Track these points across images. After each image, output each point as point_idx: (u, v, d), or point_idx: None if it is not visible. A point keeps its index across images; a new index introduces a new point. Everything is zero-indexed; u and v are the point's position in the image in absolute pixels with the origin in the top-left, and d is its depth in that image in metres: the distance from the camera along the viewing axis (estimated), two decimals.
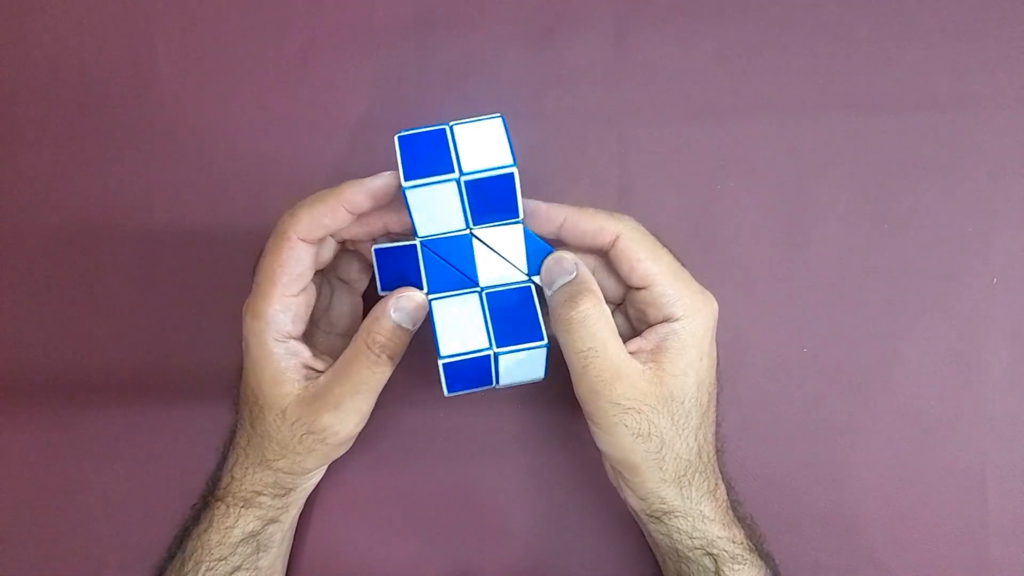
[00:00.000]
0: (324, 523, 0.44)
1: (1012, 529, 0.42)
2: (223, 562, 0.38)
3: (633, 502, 0.37)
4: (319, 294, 0.40)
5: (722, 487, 0.38)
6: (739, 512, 0.38)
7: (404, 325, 0.36)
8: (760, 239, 0.44)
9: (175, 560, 0.39)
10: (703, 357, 0.36)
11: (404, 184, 0.34)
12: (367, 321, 0.36)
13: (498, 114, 0.35)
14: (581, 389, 0.36)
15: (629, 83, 0.44)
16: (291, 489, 0.39)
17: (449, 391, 0.37)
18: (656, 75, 0.44)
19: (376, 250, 0.38)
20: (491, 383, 0.37)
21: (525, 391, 0.43)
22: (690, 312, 0.36)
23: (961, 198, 0.43)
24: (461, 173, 0.34)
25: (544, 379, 0.38)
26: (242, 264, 0.44)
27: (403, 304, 0.36)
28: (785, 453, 0.43)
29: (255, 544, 0.38)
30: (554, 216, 0.37)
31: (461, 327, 0.36)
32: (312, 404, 0.36)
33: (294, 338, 0.37)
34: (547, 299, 0.37)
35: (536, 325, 0.36)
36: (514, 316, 0.36)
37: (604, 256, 0.38)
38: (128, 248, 0.45)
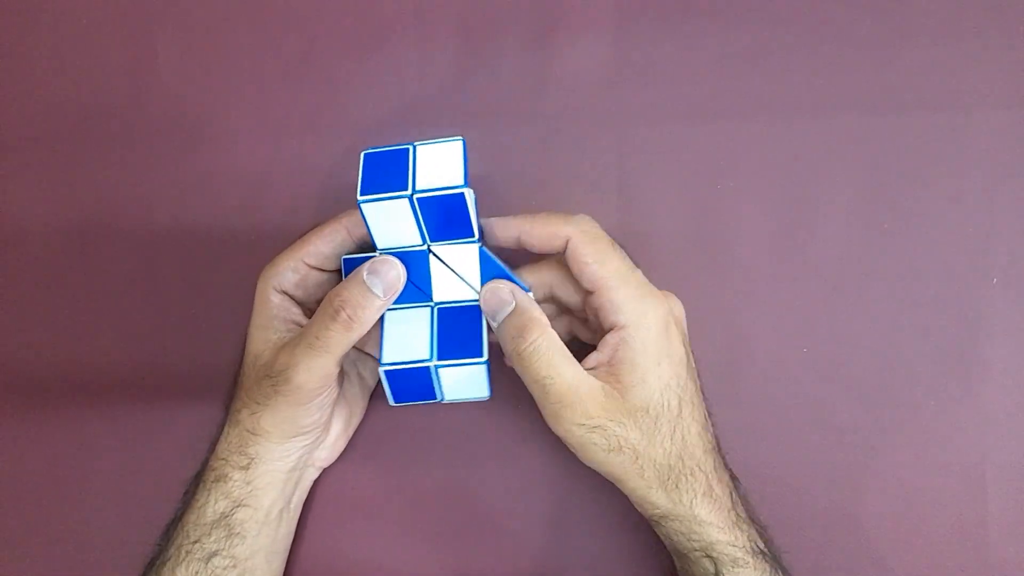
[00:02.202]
0: (324, 523, 0.44)
1: (1012, 529, 0.42)
2: (199, 544, 0.38)
3: (634, 506, 0.38)
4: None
5: (720, 488, 0.37)
6: (749, 510, 0.38)
7: (374, 289, 0.36)
8: (760, 239, 0.44)
9: (160, 547, 0.39)
10: (661, 361, 0.36)
11: (359, 199, 0.35)
12: (342, 282, 0.37)
13: (459, 137, 0.37)
14: (545, 415, 0.36)
15: (629, 83, 0.44)
16: (252, 460, 0.38)
17: (395, 400, 0.38)
18: (656, 75, 0.44)
19: (345, 259, 0.39)
20: (435, 397, 0.38)
21: (525, 391, 0.43)
22: (636, 318, 0.36)
23: (961, 198, 0.43)
24: (414, 191, 0.35)
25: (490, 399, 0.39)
26: (242, 264, 0.44)
27: (376, 267, 0.36)
28: (785, 453, 0.43)
29: (227, 528, 0.38)
30: (510, 230, 0.38)
31: (406, 338, 0.37)
32: (278, 351, 0.37)
33: (291, 297, 0.39)
34: (495, 331, 0.37)
35: (478, 343, 0.37)
36: (459, 333, 0.37)
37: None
38: (128, 248, 0.46)
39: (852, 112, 0.43)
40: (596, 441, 0.36)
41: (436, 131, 0.44)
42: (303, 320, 0.40)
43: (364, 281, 0.36)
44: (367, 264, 0.36)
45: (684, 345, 0.37)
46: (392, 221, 0.36)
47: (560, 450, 0.44)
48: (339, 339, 0.35)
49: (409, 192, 0.35)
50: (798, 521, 0.43)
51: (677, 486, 0.36)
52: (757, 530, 0.38)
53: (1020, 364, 0.42)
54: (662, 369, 0.36)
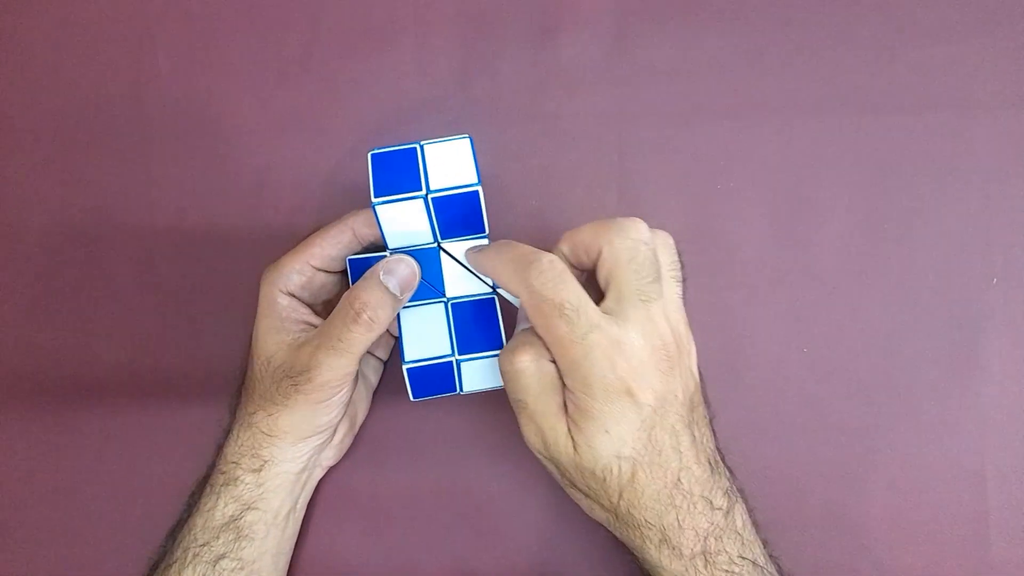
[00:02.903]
0: (324, 523, 0.44)
1: (1012, 529, 0.42)
2: (207, 547, 0.38)
3: None
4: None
5: (683, 536, 0.34)
6: (736, 546, 0.35)
7: (391, 289, 0.36)
8: (760, 239, 0.44)
9: (165, 549, 0.39)
10: (608, 429, 0.33)
11: (374, 201, 0.35)
12: (356, 282, 0.37)
13: (466, 135, 0.37)
14: (518, 422, 0.36)
15: (629, 83, 0.44)
16: (265, 462, 0.39)
17: (415, 396, 0.38)
18: (656, 75, 0.44)
19: (350, 260, 0.39)
20: (455, 389, 0.39)
21: None
22: (580, 386, 0.33)
23: (961, 198, 0.43)
24: (428, 191, 0.35)
25: None
26: (242, 264, 0.44)
27: (391, 266, 0.37)
28: (784, 453, 0.43)
29: (236, 531, 0.38)
30: (478, 266, 0.37)
31: (426, 335, 0.38)
32: (295, 351, 0.37)
33: (299, 299, 0.39)
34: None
35: (497, 334, 0.38)
36: (477, 325, 0.38)
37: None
38: (128, 248, 0.46)
39: (852, 112, 0.43)
40: (551, 470, 0.36)
41: (436, 131, 0.44)
42: (313, 319, 0.40)
43: (381, 281, 0.36)
44: (382, 264, 0.37)
45: (652, 406, 0.34)
46: (405, 221, 0.36)
47: None
48: (361, 340, 0.36)
49: (424, 192, 0.35)
50: (798, 521, 0.43)
51: (627, 530, 0.35)
52: (742, 562, 0.35)
53: (1020, 364, 0.42)
54: (611, 437, 0.33)
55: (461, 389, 0.39)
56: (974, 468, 0.42)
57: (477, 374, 0.38)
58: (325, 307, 0.41)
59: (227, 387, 0.42)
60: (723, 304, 0.43)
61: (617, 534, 0.36)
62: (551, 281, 0.33)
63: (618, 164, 0.44)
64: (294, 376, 0.37)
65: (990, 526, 0.42)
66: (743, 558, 0.35)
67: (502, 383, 0.38)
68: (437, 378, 0.38)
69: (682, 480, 0.35)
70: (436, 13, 0.45)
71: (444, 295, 0.38)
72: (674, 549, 0.35)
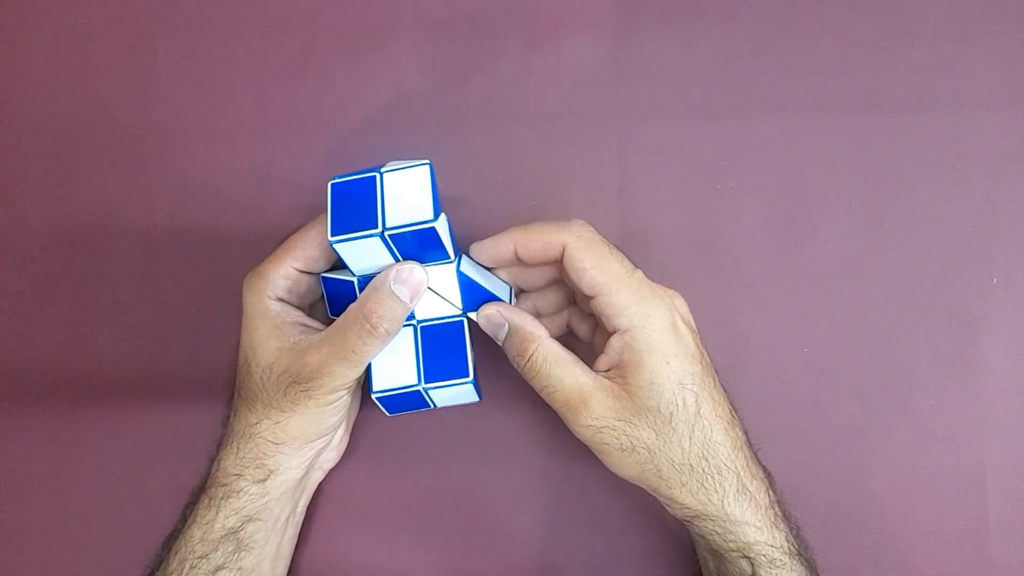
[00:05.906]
0: (324, 523, 0.44)
1: (1012, 529, 0.42)
2: (205, 559, 0.38)
3: (664, 508, 0.38)
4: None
5: (755, 485, 0.36)
6: (784, 509, 0.37)
7: (402, 298, 0.36)
8: (760, 239, 0.44)
9: (160, 559, 0.39)
10: (669, 360, 0.35)
11: (330, 239, 0.35)
12: (366, 291, 0.36)
13: (426, 161, 0.36)
14: (561, 418, 0.37)
15: (629, 83, 0.44)
16: (271, 471, 0.38)
17: (390, 413, 0.39)
18: (656, 75, 0.44)
19: (323, 278, 0.39)
20: (428, 406, 0.39)
21: (528, 391, 0.43)
22: (638, 320, 0.35)
23: (961, 198, 0.43)
24: (384, 228, 0.35)
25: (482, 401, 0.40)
26: (242, 264, 0.44)
27: (403, 277, 0.36)
28: (784, 453, 0.43)
29: (235, 542, 0.38)
30: (503, 247, 0.38)
31: (393, 363, 0.38)
32: (301, 356, 0.37)
33: (288, 303, 0.39)
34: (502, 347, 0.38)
35: (463, 362, 0.38)
36: (444, 352, 0.38)
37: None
38: (128, 248, 0.46)
39: (852, 112, 0.43)
40: (608, 441, 0.36)
41: (435, 131, 0.44)
42: (308, 321, 0.39)
43: (393, 292, 0.36)
44: (392, 274, 0.36)
45: (695, 342, 0.37)
46: (366, 253, 0.36)
47: (560, 450, 0.44)
48: (375, 350, 0.36)
49: (379, 230, 0.35)
50: (798, 521, 0.43)
51: (703, 485, 0.35)
52: (793, 530, 0.37)
53: (1020, 364, 0.42)
54: (672, 368, 0.35)
55: (435, 406, 0.39)
56: (974, 468, 0.42)
57: (447, 396, 0.38)
58: (311, 309, 0.42)
59: (227, 387, 0.42)
60: (723, 304, 0.43)
61: (689, 502, 0.36)
62: (592, 229, 0.37)
63: (618, 164, 0.44)
64: (304, 383, 0.36)
65: (990, 526, 0.42)
66: (788, 516, 0.37)
67: (475, 399, 0.39)
68: (407, 401, 0.38)
69: (736, 420, 0.37)
70: (436, 13, 0.45)
71: (414, 318, 0.38)
72: (751, 499, 0.36)
